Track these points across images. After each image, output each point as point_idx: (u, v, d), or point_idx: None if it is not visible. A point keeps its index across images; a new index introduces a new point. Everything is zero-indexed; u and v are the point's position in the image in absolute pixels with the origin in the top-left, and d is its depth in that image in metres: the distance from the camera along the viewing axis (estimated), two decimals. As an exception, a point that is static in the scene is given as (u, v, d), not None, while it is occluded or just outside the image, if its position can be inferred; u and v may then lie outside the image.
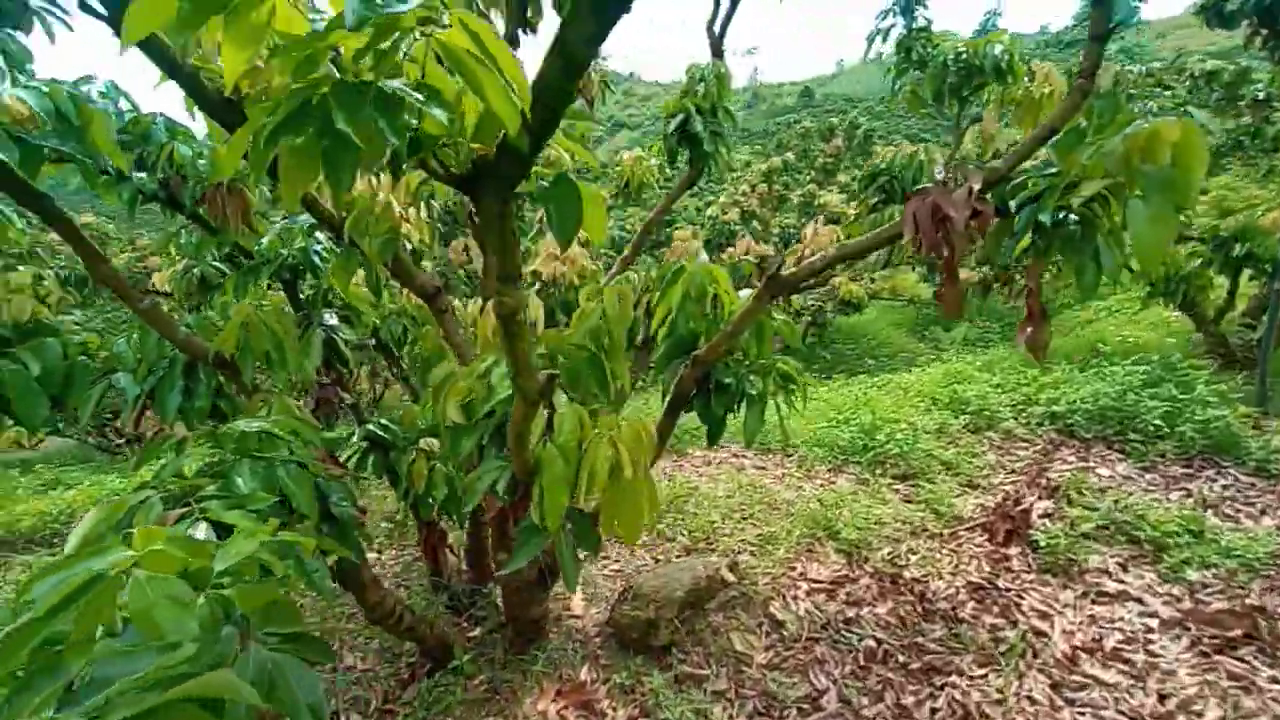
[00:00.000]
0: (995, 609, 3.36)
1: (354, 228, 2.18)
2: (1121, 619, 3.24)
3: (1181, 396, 5.13)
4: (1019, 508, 3.93)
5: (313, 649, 1.13)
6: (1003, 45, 3.67)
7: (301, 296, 3.04)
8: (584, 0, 0.88)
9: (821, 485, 4.84)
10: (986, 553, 3.80)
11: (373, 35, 0.77)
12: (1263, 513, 4.23)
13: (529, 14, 3.06)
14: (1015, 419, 5.76)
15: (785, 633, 3.23)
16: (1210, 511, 4.33)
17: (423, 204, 2.28)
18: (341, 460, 2.62)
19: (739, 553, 3.99)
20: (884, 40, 3.89)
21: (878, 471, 4.93)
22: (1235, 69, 7.27)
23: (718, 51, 3.54)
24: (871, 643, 3.11)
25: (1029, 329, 1.99)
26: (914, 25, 3.95)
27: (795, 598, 3.52)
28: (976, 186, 1.82)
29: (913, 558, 3.79)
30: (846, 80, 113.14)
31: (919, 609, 3.37)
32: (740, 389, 2.32)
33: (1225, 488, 4.55)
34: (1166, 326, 8.74)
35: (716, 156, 3.34)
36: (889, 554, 3.82)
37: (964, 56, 3.65)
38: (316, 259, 2.79)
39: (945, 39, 3.78)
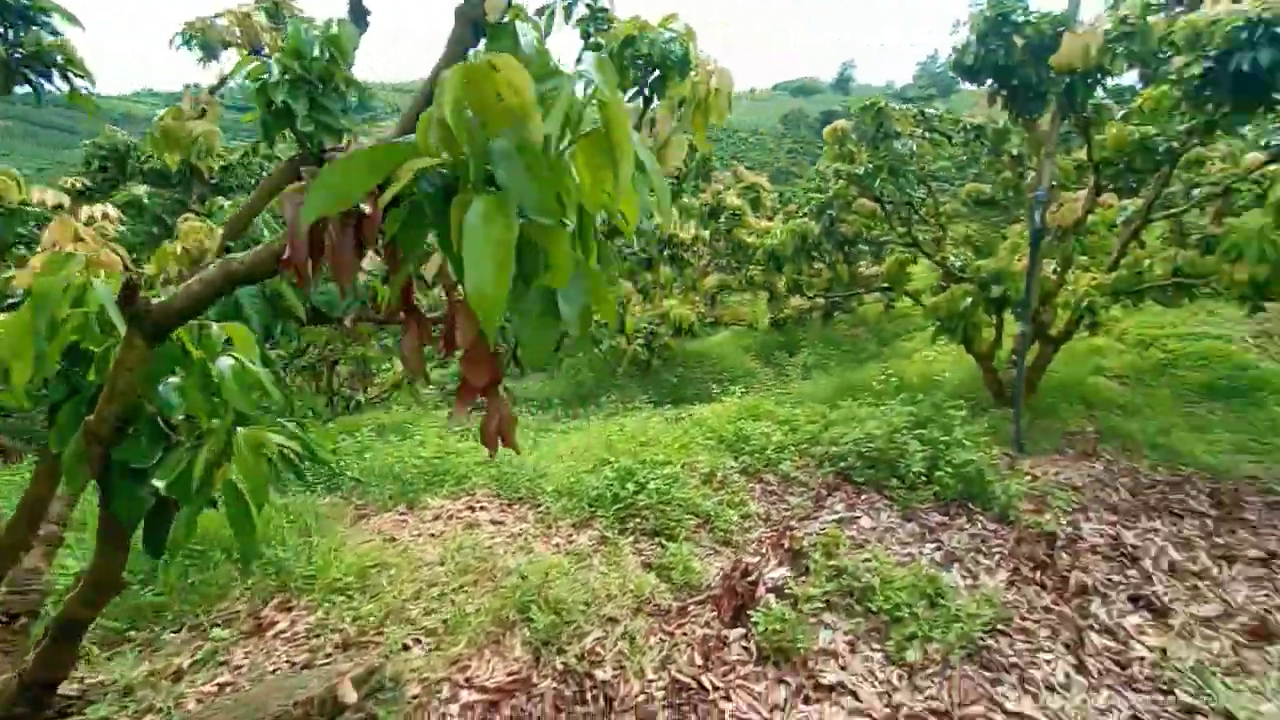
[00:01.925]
0: (692, 720, 2.72)
1: None
2: (825, 727, 2.72)
3: (942, 439, 5.02)
4: (747, 578, 3.38)
5: None
6: (674, 33, 3.09)
7: None
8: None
9: (558, 546, 4.07)
10: (704, 638, 3.20)
11: None
12: (998, 564, 4.06)
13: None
14: (795, 461, 5.42)
15: (399, 785, 2.34)
16: (956, 566, 4.11)
17: None
18: None
19: (409, 647, 3.08)
20: (566, 19, 3.28)
21: (627, 527, 4.27)
22: (997, 126, 7.75)
23: (356, 8, 2.68)
24: (508, 793, 2.32)
25: (468, 405, 1.21)
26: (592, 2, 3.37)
27: (445, 717, 2.66)
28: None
29: (616, 647, 3.09)
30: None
31: (597, 728, 2.65)
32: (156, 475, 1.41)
33: (972, 537, 4.37)
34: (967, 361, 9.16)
35: (322, 139, 2.46)
36: (590, 645, 3.09)
37: (636, 43, 3.07)
38: None
39: (625, 22, 3.22)
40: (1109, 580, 3.77)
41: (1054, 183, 8.31)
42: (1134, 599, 3.64)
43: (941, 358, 10.32)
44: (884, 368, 10.89)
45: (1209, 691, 2.91)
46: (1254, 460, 6.04)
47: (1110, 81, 5.93)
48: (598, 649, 3.06)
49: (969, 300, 6.82)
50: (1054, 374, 8.52)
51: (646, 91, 2.87)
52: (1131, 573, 3.89)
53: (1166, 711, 2.86)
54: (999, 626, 3.44)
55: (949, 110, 9.94)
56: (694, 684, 2.88)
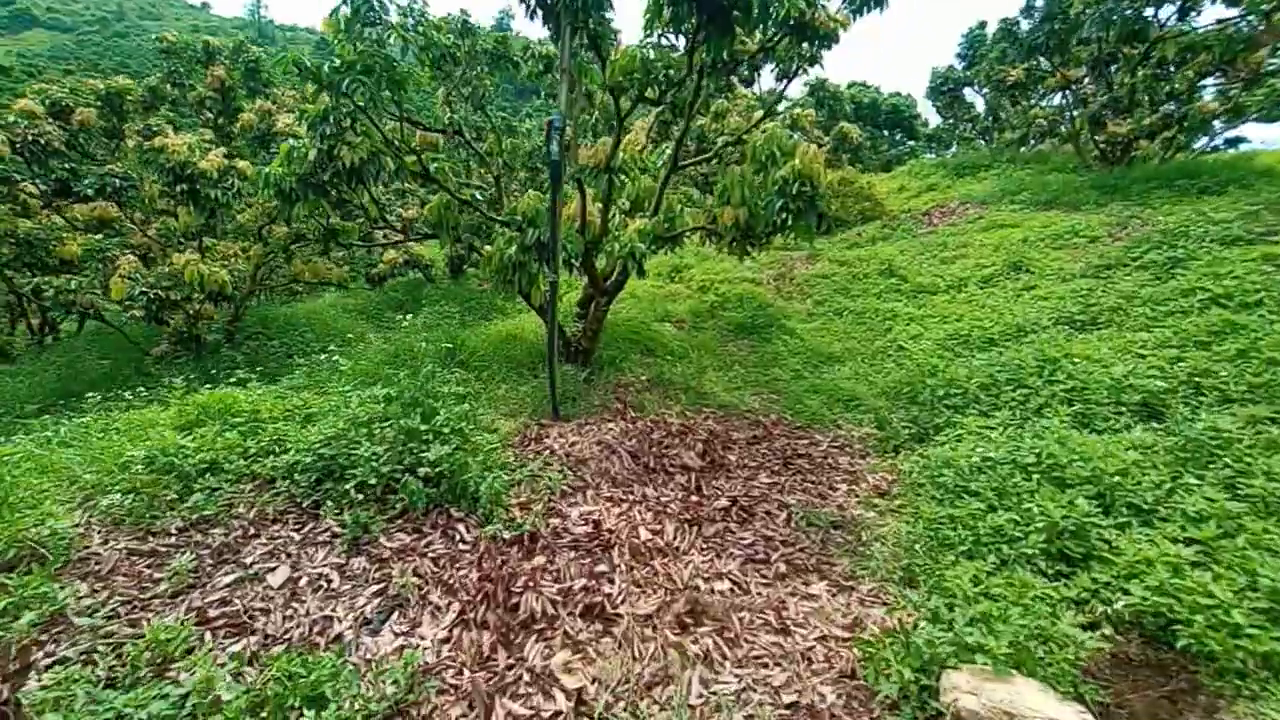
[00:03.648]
0: None
1: None
2: None
3: (422, 429, 3.85)
4: None
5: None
6: None
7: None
8: None
9: None
10: None
11: None
12: (456, 596, 3.04)
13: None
14: (230, 486, 3.65)
15: None
16: (395, 616, 2.95)
17: None
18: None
19: None
20: None
21: None
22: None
23: None
24: None
25: None
26: None
27: None
28: None
29: None
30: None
31: None
32: None
33: (437, 561, 3.30)
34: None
35: None
36: None
37: None
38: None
39: None
40: (565, 592, 3.06)
41: (588, 108, 7.82)
42: (586, 610, 2.98)
43: (521, 315, 9.77)
44: (483, 326, 9.86)
45: (611, 747, 2.26)
46: (755, 390, 6.67)
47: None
48: None
49: (513, 247, 5.90)
50: (627, 323, 8.58)
51: None
52: (600, 567, 3.29)
53: (556, 807, 2.09)
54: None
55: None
56: None
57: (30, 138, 9.10)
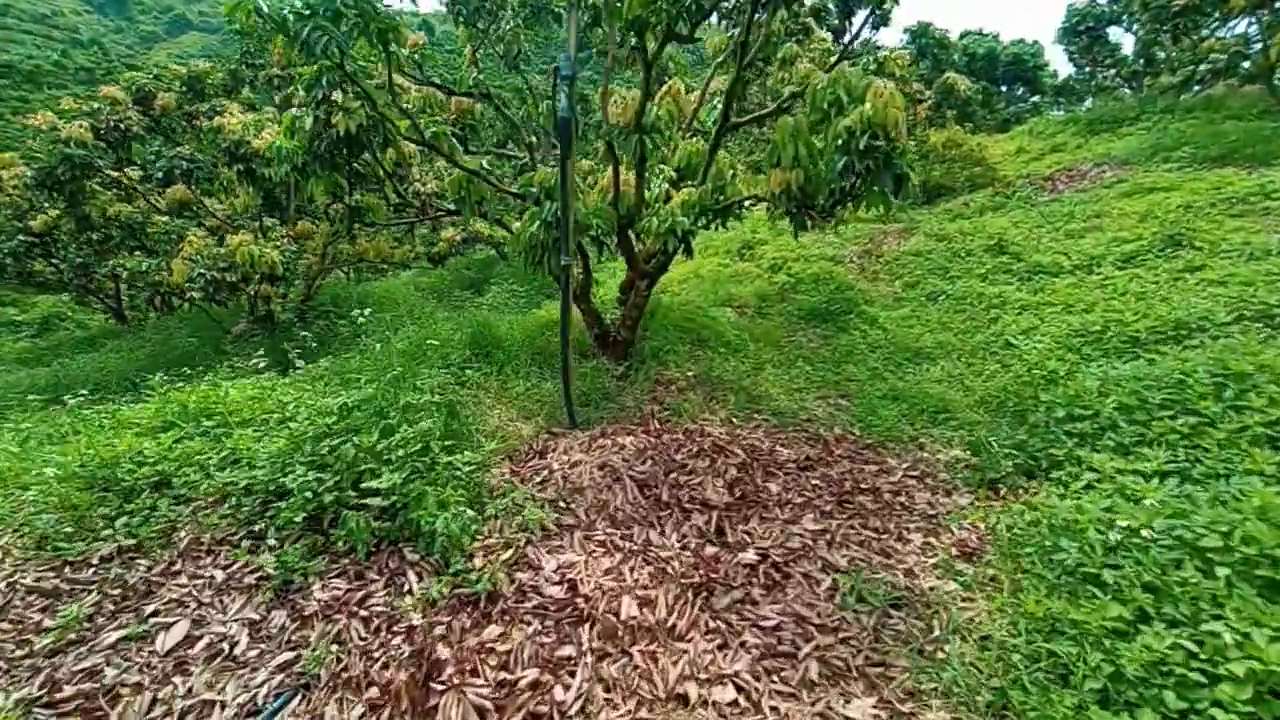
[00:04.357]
0: None
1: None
2: None
3: (381, 446, 3.21)
4: None
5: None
6: None
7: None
8: None
9: None
10: None
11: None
12: (363, 680, 2.38)
13: None
14: (175, 511, 3.21)
15: None
16: (298, 701, 2.34)
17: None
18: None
19: None
20: None
21: None
22: None
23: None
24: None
25: None
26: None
27: None
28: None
29: None
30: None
31: None
32: None
33: (372, 624, 2.67)
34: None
35: None
36: None
37: None
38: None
39: None
40: (507, 689, 2.31)
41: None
42: None
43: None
44: (520, 313, 9.30)
45: None
46: (821, 393, 5.58)
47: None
48: None
49: (536, 225, 5.15)
50: (682, 308, 7.65)
51: None
52: (564, 651, 2.51)
53: None
54: None
55: None
56: None
57: (112, 124, 9.44)
